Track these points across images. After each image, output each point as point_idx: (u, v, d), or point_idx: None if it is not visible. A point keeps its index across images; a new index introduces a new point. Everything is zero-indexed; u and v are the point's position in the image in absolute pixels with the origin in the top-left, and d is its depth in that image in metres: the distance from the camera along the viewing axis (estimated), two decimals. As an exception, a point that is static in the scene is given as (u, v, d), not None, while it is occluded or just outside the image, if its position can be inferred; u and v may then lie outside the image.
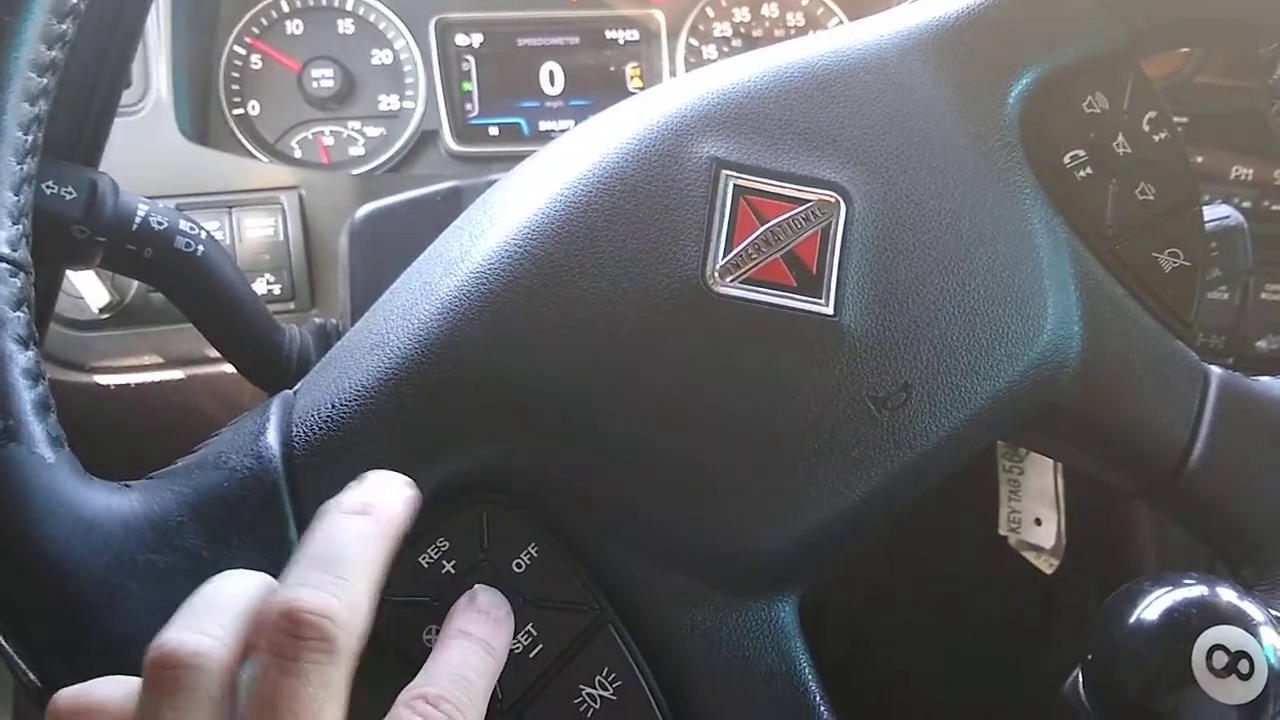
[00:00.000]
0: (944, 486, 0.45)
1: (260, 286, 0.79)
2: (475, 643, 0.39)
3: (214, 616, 0.34)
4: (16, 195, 0.39)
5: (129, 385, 0.79)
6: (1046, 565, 0.75)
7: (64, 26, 0.40)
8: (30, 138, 0.40)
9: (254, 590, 0.36)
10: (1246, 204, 0.85)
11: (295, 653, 0.33)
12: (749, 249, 0.42)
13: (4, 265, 0.38)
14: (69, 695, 0.34)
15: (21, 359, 0.38)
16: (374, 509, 0.37)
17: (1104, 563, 0.82)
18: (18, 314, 0.38)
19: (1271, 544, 0.46)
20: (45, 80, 0.40)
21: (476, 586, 0.41)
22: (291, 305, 0.80)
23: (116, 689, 0.34)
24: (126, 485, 0.41)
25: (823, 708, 0.42)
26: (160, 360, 0.79)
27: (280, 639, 0.33)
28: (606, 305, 0.42)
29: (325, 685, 0.33)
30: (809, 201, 0.43)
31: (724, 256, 0.42)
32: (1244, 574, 0.46)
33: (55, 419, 0.39)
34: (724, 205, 0.43)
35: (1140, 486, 0.48)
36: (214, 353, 0.60)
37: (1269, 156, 0.84)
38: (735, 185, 0.43)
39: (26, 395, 0.38)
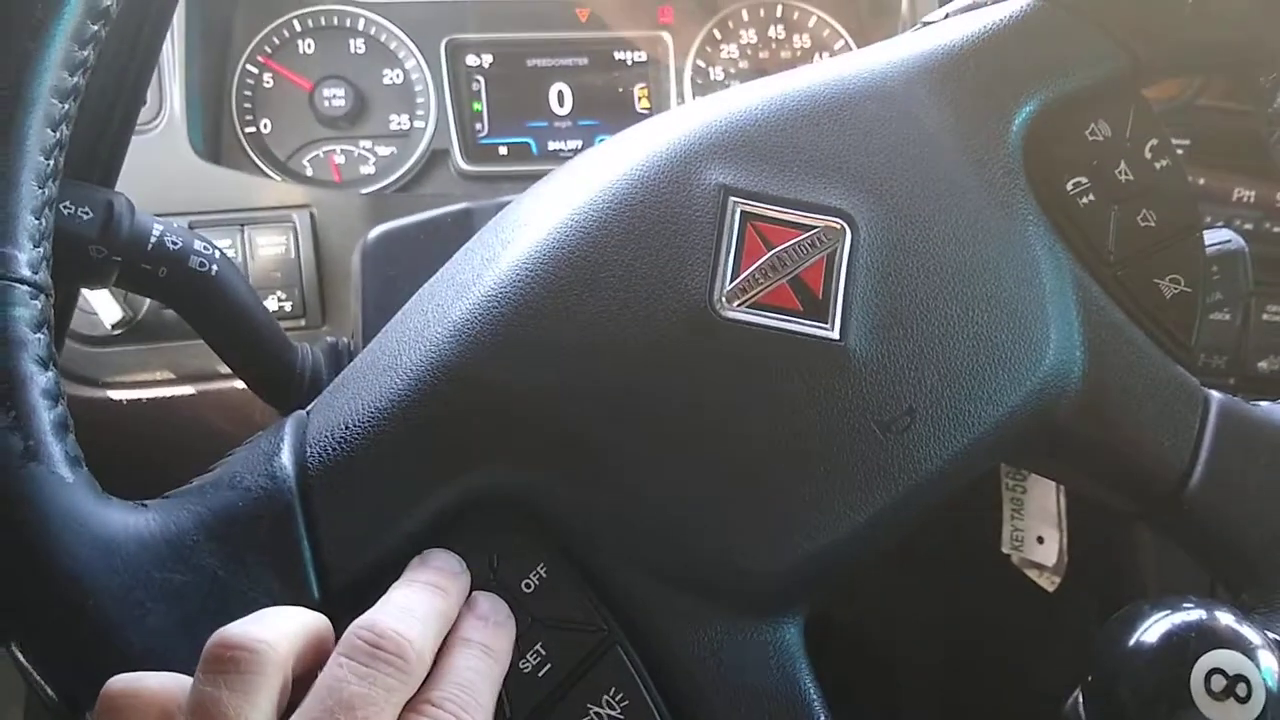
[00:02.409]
0: (947, 504, 0.46)
1: (271, 303, 0.80)
2: (475, 647, 0.39)
3: (277, 623, 0.36)
4: (38, 219, 0.40)
5: (141, 400, 0.80)
6: (1048, 583, 0.76)
7: (85, 53, 0.41)
8: (51, 162, 0.40)
9: (313, 616, 0.38)
10: (1248, 226, 0.86)
11: (373, 663, 0.35)
12: (756, 274, 0.43)
13: (25, 288, 0.39)
14: (121, 680, 0.35)
15: (41, 380, 0.39)
16: (444, 589, 0.40)
17: (1106, 581, 0.83)
18: (38, 335, 0.39)
19: (1271, 567, 0.46)
20: (67, 106, 0.40)
21: (475, 594, 0.41)
22: (302, 322, 0.81)
23: (168, 679, 0.35)
24: (143, 504, 0.41)
25: None
26: (172, 375, 0.80)
27: (361, 648, 0.35)
28: (616, 329, 0.42)
29: (392, 706, 0.35)
30: (815, 228, 0.44)
31: (731, 281, 0.43)
32: (1244, 597, 0.47)
33: (74, 439, 0.40)
34: (731, 231, 0.43)
35: (1141, 509, 0.48)
36: (225, 368, 0.61)
37: (1270, 179, 0.85)
38: (742, 211, 0.44)
39: (46, 416, 0.38)
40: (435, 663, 0.38)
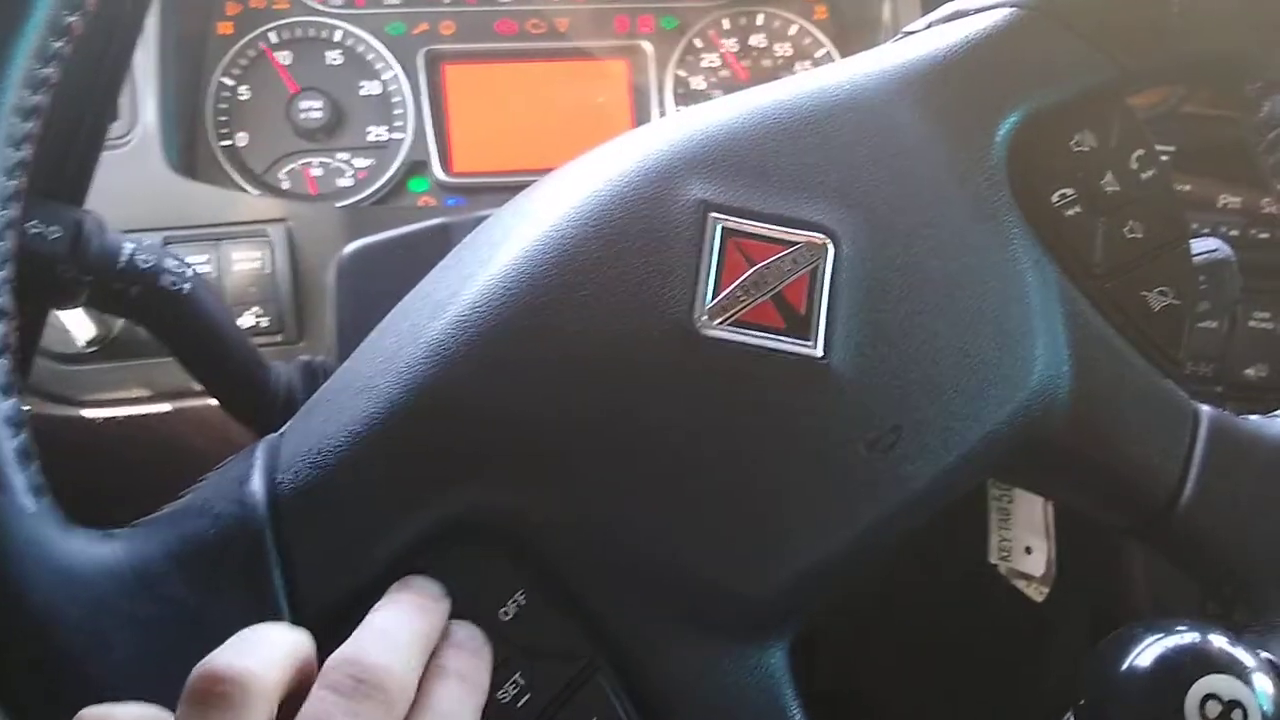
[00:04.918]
0: (935, 518, 0.45)
1: (248, 319, 0.79)
2: (451, 676, 0.38)
3: (262, 650, 0.35)
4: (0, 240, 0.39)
5: (115, 418, 0.78)
6: (1036, 593, 0.75)
7: (48, 71, 0.40)
8: (14, 183, 0.39)
9: (297, 638, 0.37)
10: (1234, 232, 0.86)
11: (356, 697, 0.34)
12: (737, 291, 0.42)
13: None
14: (92, 713, 0.34)
15: (3, 407, 0.38)
16: (427, 613, 0.39)
17: (1096, 590, 0.82)
18: None
19: (1263, 584, 0.46)
20: (29, 125, 0.40)
21: (451, 623, 0.41)
22: (279, 338, 0.79)
23: (139, 711, 0.34)
24: (109, 534, 0.40)
25: None
26: (147, 393, 0.79)
27: (345, 682, 0.35)
28: (595, 348, 0.42)
29: None
30: (797, 243, 0.43)
31: (712, 299, 0.42)
32: (1236, 616, 0.46)
33: (37, 467, 0.39)
34: (712, 248, 0.43)
35: (1132, 524, 0.48)
36: (200, 386, 0.60)
37: (1255, 185, 0.85)
38: (723, 228, 0.43)
39: (8, 444, 0.37)
40: (415, 695, 0.37)
